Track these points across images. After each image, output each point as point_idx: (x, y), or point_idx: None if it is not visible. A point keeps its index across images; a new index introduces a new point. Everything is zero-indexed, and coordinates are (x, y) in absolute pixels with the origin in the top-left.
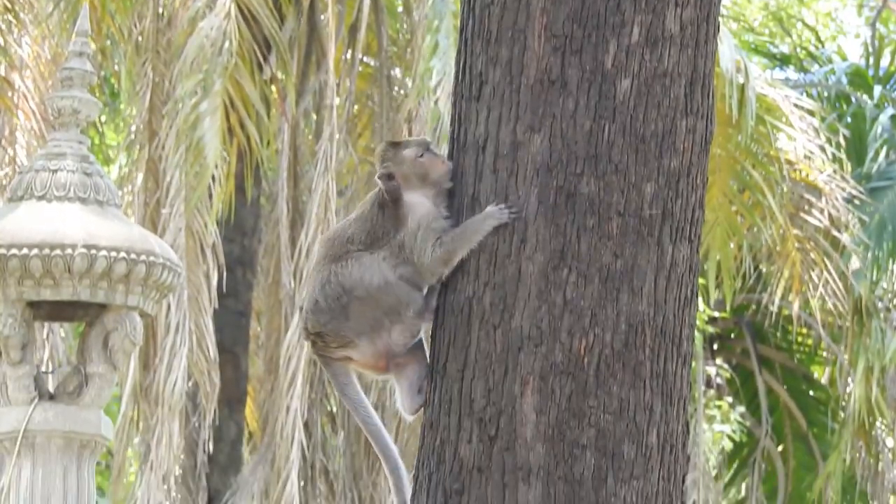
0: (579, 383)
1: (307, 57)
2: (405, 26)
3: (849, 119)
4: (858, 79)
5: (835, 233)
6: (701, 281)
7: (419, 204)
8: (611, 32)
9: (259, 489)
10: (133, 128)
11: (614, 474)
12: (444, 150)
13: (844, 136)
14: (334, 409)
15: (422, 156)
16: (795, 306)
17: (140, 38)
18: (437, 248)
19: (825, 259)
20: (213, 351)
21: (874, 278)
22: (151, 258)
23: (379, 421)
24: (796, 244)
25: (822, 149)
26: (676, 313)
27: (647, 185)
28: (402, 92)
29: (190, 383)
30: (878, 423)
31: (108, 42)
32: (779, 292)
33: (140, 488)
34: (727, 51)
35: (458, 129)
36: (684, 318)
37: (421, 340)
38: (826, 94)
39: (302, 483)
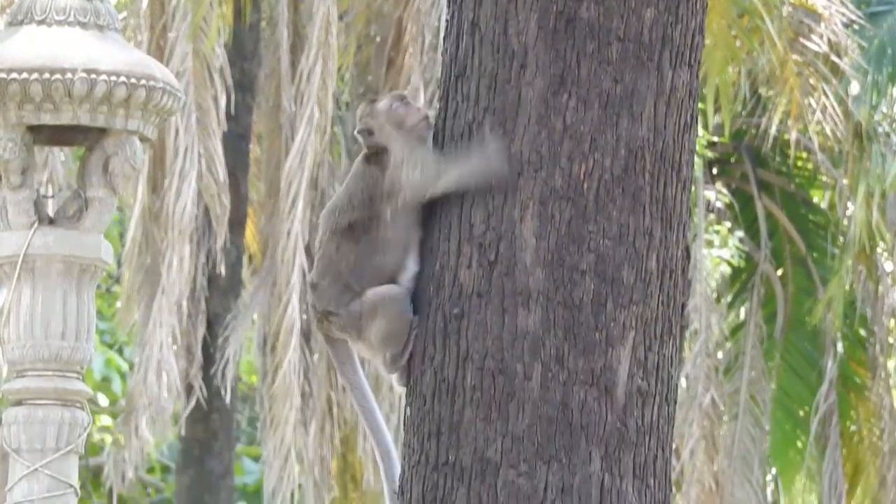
0: (579, 208)
1: None
2: None
3: None
4: None
5: (834, 58)
6: (700, 106)
7: (400, 144)
8: None
9: (259, 313)
10: None
11: (614, 299)
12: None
13: None
14: None
15: (396, 104)
16: (794, 132)
17: None
18: (434, 166)
19: (824, 84)
20: (222, 174)
21: (873, 103)
22: (151, 83)
23: (375, 404)
24: (795, 69)
25: None
26: (676, 138)
27: (646, 10)
28: None
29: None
30: (878, 248)
31: None
32: (778, 118)
33: (151, 312)
34: None
35: None
36: (684, 144)
37: None
38: None
39: (303, 306)
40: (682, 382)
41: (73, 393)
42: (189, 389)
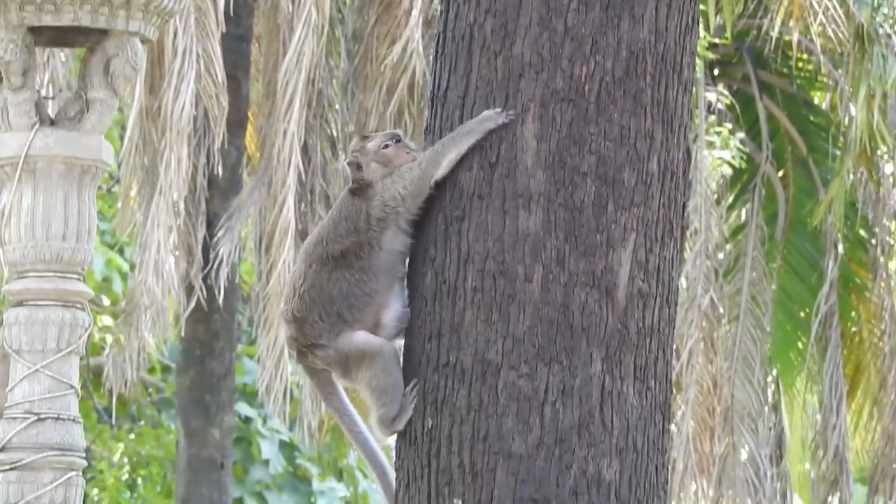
0: (580, 110)
1: None
2: None
3: None
4: None
5: None
6: (701, 7)
7: (381, 178)
8: None
9: (255, 213)
10: None
11: (615, 201)
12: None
13: None
14: (335, 134)
15: (386, 147)
16: (795, 33)
17: None
18: (426, 154)
19: None
20: (220, 75)
21: (875, 4)
22: None
23: (365, 427)
24: None
25: None
26: (677, 40)
27: None
28: None
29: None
30: (879, 150)
31: None
32: (779, 19)
33: (150, 213)
34: None
35: None
36: (685, 45)
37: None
38: None
39: (301, 206)
40: (682, 283)
41: (73, 293)
42: (190, 290)
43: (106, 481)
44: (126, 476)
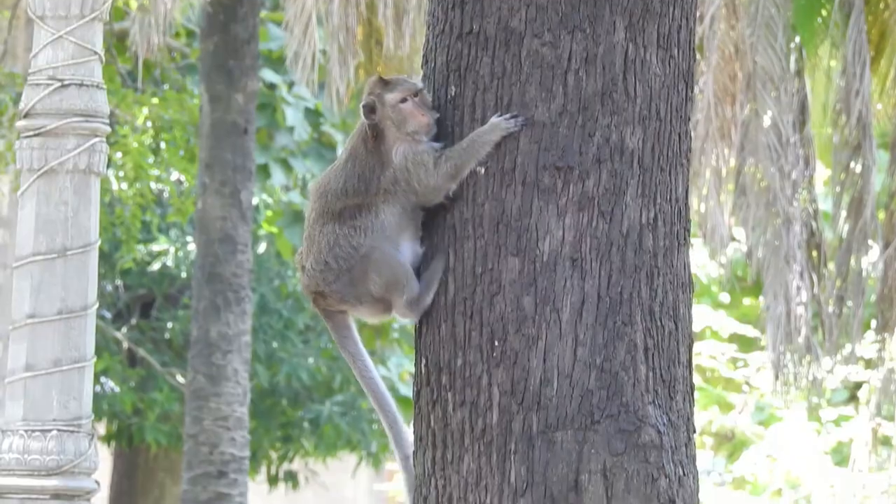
0: None
1: None
2: None
3: None
4: None
5: None
6: None
7: (399, 140)
8: None
9: None
10: None
11: None
12: None
13: None
14: None
15: (405, 101)
16: None
17: None
18: (444, 164)
19: None
20: None
21: None
22: None
23: (377, 374)
24: None
25: None
26: None
27: None
28: None
29: None
30: None
31: None
32: None
33: None
34: None
35: None
36: None
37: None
38: None
39: None
40: None
41: None
42: None
43: (129, 145)
44: (149, 140)
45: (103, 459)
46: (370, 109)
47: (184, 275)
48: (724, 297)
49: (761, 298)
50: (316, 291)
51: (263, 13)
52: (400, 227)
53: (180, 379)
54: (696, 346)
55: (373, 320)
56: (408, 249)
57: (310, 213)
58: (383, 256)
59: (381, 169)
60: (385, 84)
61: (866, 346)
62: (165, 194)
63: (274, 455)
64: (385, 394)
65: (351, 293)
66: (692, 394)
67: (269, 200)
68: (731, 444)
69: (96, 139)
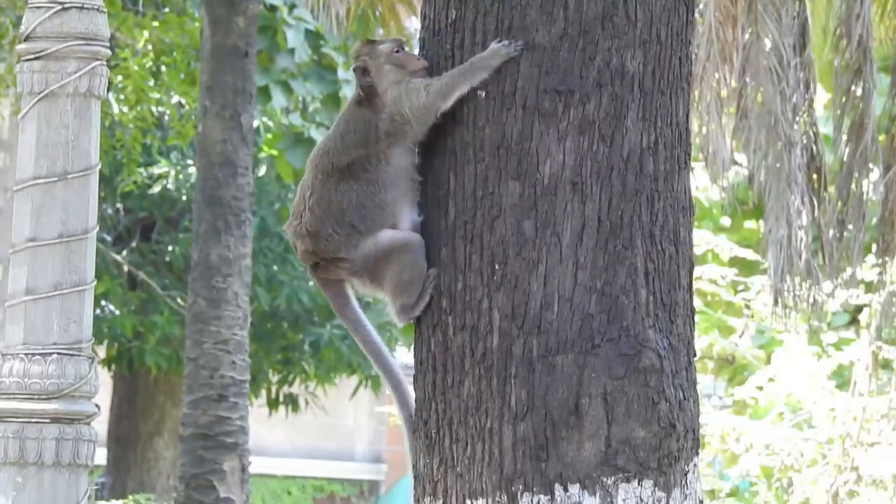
0: None
1: None
2: None
3: None
4: None
5: None
6: None
7: (392, 86)
8: None
9: None
10: None
11: None
12: None
13: None
14: None
15: (398, 51)
16: None
17: None
18: (436, 83)
19: None
20: None
21: None
22: None
23: (379, 338)
24: None
25: None
26: None
27: None
28: None
29: None
30: None
31: None
32: None
33: None
34: None
35: None
36: None
37: None
38: None
39: None
40: None
41: None
42: None
43: (130, 69)
44: (150, 64)
45: (103, 383)
46: (363, 71)
47: (184, 198)
48: (726, 221)
49: (762, 222)
50: (337, 258)
51: None
52: (408, 175)
53: (181, 302)
54: (697, 270)
55: (365, 294)
56: (406, 218)
57: (313, 178)
58: (414, 259)
59: (377, 117)
60: (372, 42)
61: (867, 269)
62: (166, 117)
63: (274, 378)
64: (388, 358)
65: (367, 269)
66: (693, 318)
67: (270, 123)
68: (731, 368)
69: (97, 62)
